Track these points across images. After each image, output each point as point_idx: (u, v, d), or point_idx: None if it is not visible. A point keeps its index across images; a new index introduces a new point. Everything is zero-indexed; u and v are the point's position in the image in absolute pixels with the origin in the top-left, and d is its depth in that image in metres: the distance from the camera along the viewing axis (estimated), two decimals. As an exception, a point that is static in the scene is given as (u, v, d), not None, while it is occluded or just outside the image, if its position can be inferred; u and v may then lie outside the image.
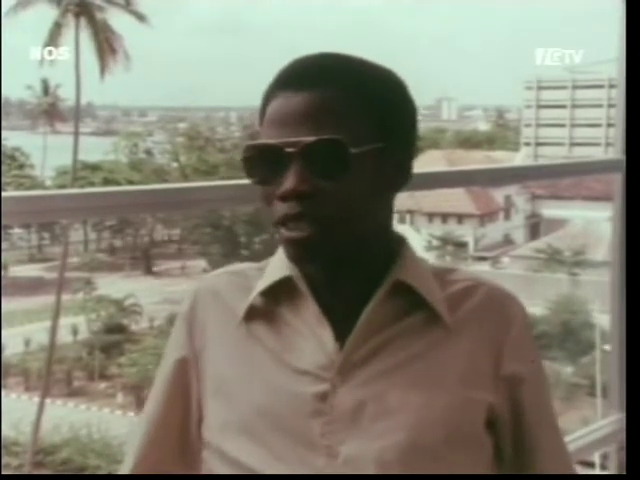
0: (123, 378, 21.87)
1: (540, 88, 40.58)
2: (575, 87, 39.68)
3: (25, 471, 18.00)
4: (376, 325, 1.09)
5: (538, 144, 39.91)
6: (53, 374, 21.64)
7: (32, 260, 31.63)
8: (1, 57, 20.78)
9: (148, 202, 1.58)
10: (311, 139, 1.02)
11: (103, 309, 24.72)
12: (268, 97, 1.09)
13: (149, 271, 30.78)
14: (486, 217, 30.32)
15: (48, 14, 24.45)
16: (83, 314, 24.52)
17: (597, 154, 32.96)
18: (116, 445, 18.06)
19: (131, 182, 27.10)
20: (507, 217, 31.58)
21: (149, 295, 26.16)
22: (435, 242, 27.75)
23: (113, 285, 26.99)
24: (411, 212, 27.87)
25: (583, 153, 34.57)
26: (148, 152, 32.74)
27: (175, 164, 31.00)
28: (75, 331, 24.14)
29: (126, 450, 1.25)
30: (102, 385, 22.68)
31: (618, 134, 2.36)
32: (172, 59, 48.72)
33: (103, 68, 24.48)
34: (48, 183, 30.81)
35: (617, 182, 2.35)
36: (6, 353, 22.70)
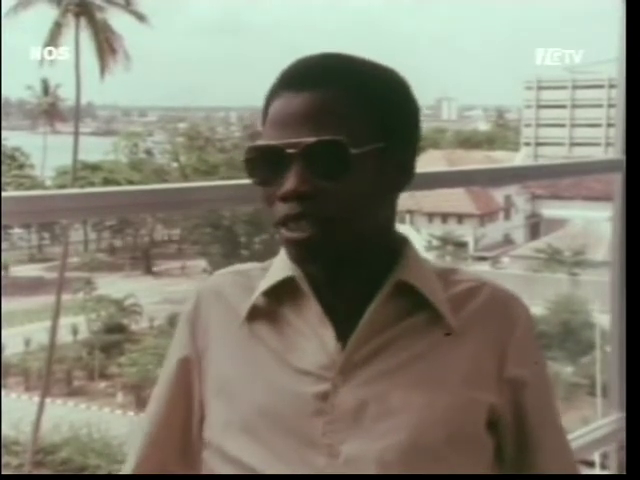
0: (123, 378, 21.88)
1: (540, 88, 40.58)
2: (575, 87, 39.67)
3: (25, 470, 18.00)
4: (378, 325, 1.09)
5: (538, 144, 39.91)
6: (53, 374, 21.65)
7: (32, 260, 31.63)
8: (1, 57, 20.79)
9: (148, 202, 1.58)
10: (312, 140, 1.02)
11: (103, 309, 24.73)
12: (270, 97, 1.09)
13: (149, 271, 30.78)
14: (486, 217, 30.33)
15: (48, 14, 24.49)
16: (83, 314, 24.52)
17: (597, 154, 32.96)
18: (116, 445, 18.06)
19: (131, 182, 27.09)
20: (507, 217, 31.59)
21: (149, 295, 26.17)
22: (435, 242, 27.75)
23: (113, 285, 26.99)
24: (411, 212, 27.87)
25: (583, 153, 34.56)
26: (148, 152, 32.73)
27: (175, 164, 30.99)
28: (75, 331, 24.15)
29: (128, 450, 1.25)
30: (102, 385, 22.69)
31: (618, 134, 2.36)
32: (172, 59, 48.75)
33: (103, 68, 24.49)
34: (48, 183, 30.80)
35: (617, 182, 2.35)
36: (6, 353, 22.70)
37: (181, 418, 1.19)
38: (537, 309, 19.18)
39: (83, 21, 24.43)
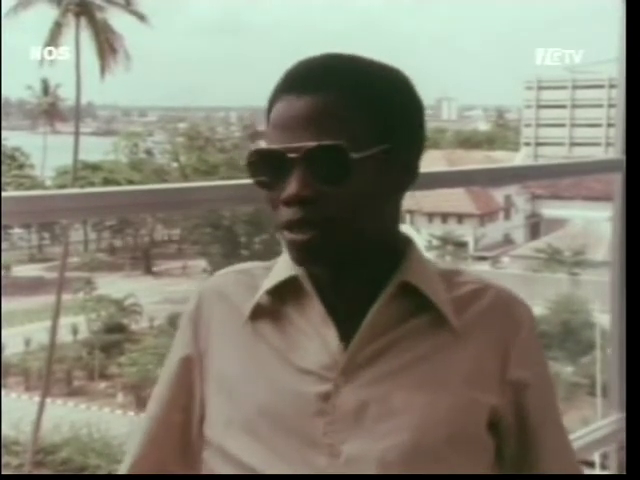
0: (123, 378, 21.88)
1: (540, 88, 40.57)
2: (575, 87, 39.67)
3: (25, 470, 18.00)
4: (381, 326, 1.09)
5: (538, 144, 39.90)
6: (53, 374, 21.64)
7: (32, 260, 31.63)
8: (1, 57, 20.78)
9: (148, 202, 1.58)
10: (313, 144, 1.02)
11: (103, 309, 24.73)
12: (273, 100, 1.08)
13: (149, 271, 30.78)
14: (486, 217, 30.32)
15: (48, 14, 24.49)
16: (83, 314, 24.52)
17: (597, 154, 32.96)
18: (116, 445, 18.05)
19: (131, 182, 27.08)
20: (507, 217, 31.59)
21: (149, 295, 26.17)
22: (435, 242, 27.75)
23: (113, 285, 26.98)
24: (411, 212, 27.86)
25: (583, 153, 34.55)
26: (148, 152, 32.72)
27: (175, 164, 30.98)
28: (75, 331, 24.15)
29: (127, 449, 1.25)
30: (102, 385, 22.69)
31: (618, 134, 2.36)
32: (172, 59, 48.76)
33: (103, 68, 24.49)
34: (48, 183, 30.79)
35: (617, 182, 2.35)
36: (6, 353, 22.70)
37: (181, 417, 1.19)
38: (537, 309, 19.17)
39: (83, 21, 24.43)
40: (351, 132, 1.03)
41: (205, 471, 1.15)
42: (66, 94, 31.57)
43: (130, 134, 34.09)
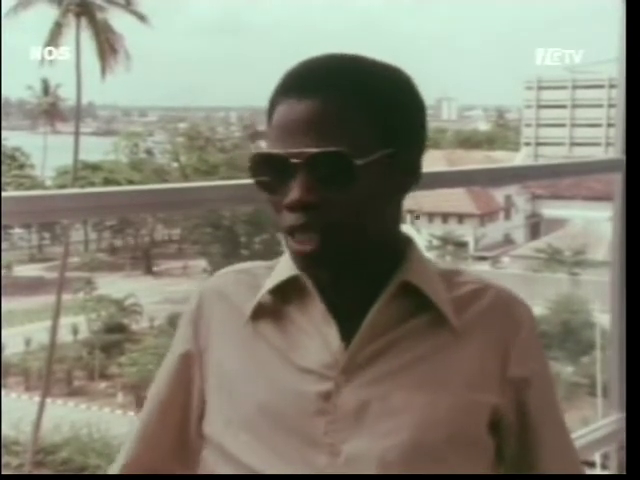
0: (123, 378, 21.88)
1: (540, 88, 40.58)
2: (575, 87, 39.67)
3: (25, 470, 18.01)
4: (382, 326, 1.09)
5: (538, 144, 39.90)
6: (53, 374, 21.64)
7: (32, 260, 31.62)
8: (1, 57, 20.78)
9: (148, 202, 1.58)
10: (315, 151, 1.01)
11: (103, 309, 24.73)
12: (273, 102, 1.07)
13: (149, 271, 30.77)
14: (486, 217, 30.32)
15: (48, 14, 24.49)
16: (83, 314, 24.51)
17: (597, 154, 32.96)
18: (116, 445, 18.02)
19: (131, 182, 27.07)
20: (507, 217, 31.58)
21: (149, 295, 26.16)
22: (435, 242, 27.74)
23: (113, 285, 26.98)
24: (411, 212, 27.84)
25: (583, 153, 34.56)
26: (148, 152, 32.72)
27: (175, 164, 30.99)
28: (75, 331, 24.14)
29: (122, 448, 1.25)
30: (102, 385, 22.69)
31: (618, 134, 2.36)
32: (172, 59, 48.79)
33: (104, 68, 24.49)
34: (48, 183, 30.79)
35: (617, 182, 2.35)
36: (6, 353, 22.70)
37: (178, 416, 1.19)
38: (537, 309, 19.17)
39: (84, 21, 24.44)
40: (354, 136, 1.02)
41: (204, 470, 1.15)
42: (66, 94, 31.59)
43: (130, 134, 34.09)
